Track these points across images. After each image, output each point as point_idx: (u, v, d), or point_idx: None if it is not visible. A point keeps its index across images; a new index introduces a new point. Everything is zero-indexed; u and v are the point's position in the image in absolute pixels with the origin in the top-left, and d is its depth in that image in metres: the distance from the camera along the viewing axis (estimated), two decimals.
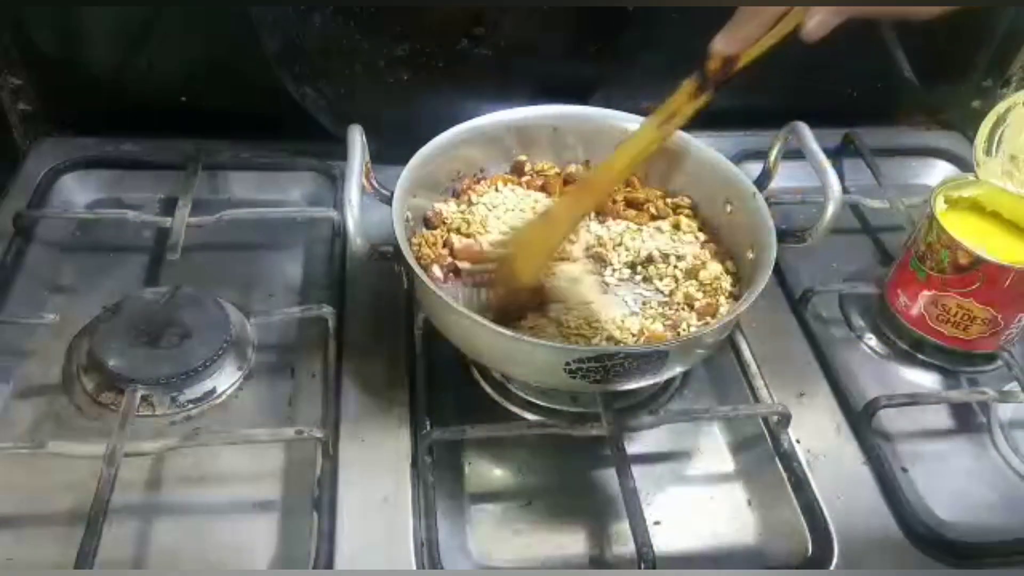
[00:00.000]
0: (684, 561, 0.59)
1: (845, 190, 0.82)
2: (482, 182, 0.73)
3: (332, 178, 0.83)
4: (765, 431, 0.65)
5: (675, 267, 0.68)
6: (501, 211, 0.71)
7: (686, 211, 0.72)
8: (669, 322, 0.64)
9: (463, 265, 0.66)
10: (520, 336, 0.57)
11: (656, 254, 0.68)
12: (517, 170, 0.74)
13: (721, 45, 0.52)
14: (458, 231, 0.69)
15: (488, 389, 0.67)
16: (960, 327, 0.68)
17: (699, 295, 0.66)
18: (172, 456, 0.60)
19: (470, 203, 0.71)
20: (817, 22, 0.46)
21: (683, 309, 0.65)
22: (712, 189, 0.71)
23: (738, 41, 0.51)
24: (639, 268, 0.68)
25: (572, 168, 0.75)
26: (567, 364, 0.55)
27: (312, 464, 0.60)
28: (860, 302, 0.77)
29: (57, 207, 0.80)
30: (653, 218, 0.72)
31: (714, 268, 0.68)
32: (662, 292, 0.67)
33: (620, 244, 0.69)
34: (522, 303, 0.63)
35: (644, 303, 0.66)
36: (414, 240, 0.67)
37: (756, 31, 0.50)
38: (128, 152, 0.85)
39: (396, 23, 0.76)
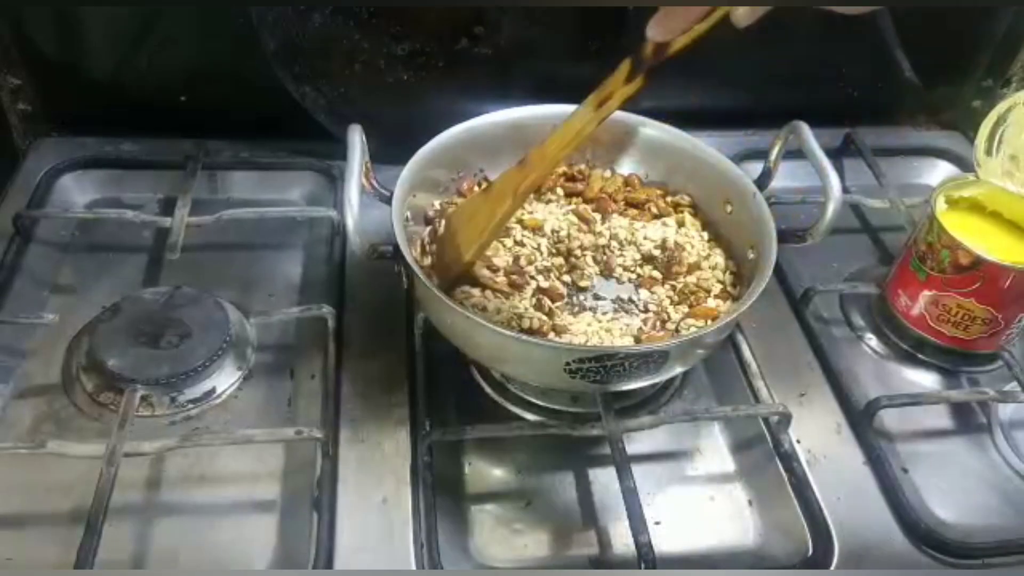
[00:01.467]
0: (684, 561, 0.59)
1: (845, 190, 0.83)
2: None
3: (332, 178, 0.83)
4: (765, 431, 0.65)
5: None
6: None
7: (687, 209, 0.72)
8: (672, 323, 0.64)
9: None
10: (520, 336, 0.57)
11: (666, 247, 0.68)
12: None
13: (652, 33, 0.51)
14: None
15: (488, 389, 0.67)
16: (960, 327, 0.68)
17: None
18: (172, 456, 0.60)
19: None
20: (746, 10, 0.46)
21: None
22: (712, 189, 0.71)
23: (669, 30, 0.51)
24: (647, 263, 0.68)
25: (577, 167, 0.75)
26: (567, 364, 0.55)
27: (312, 464, 0.59)
28: (860, 302, 0.77)
29: (57, 207, 0.80)
30: (655, 217, 0.72)
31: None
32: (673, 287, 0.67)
33: (632, 241, 0.69)
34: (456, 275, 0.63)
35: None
36: (415, 243, 0.67)
37: (685, 21, 0.50)
38: (128, 152, 0.85)
39: (396, 23, 0.76)
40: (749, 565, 0.59)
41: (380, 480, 0.60)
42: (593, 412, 0.62)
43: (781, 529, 0.60)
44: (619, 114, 0.72)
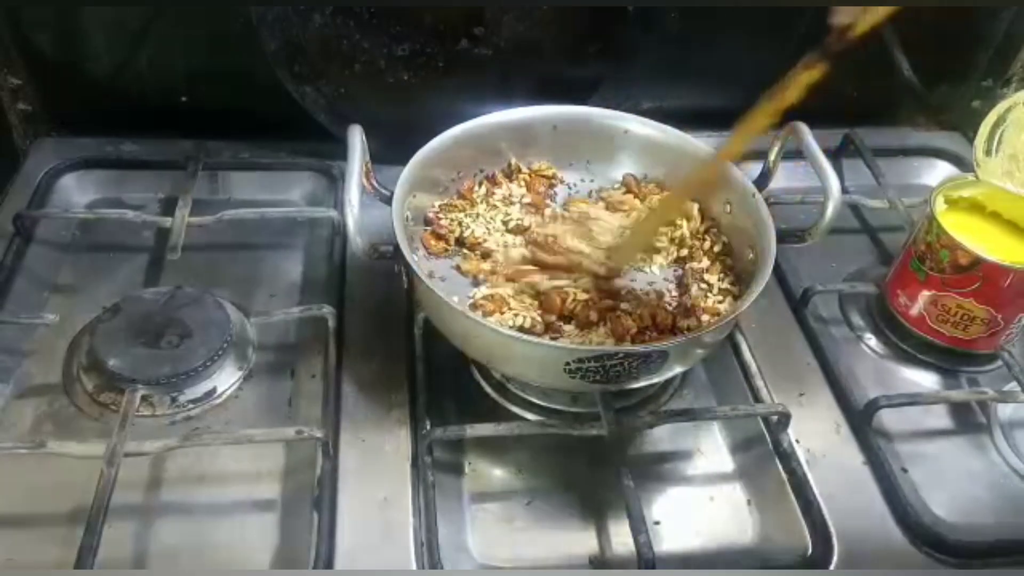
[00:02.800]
0: (684, 561, 0.59)
1: (845, 190, 0.82)
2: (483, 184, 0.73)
3: (332, 178, 0.83)
4: (765, 431, 0.65)
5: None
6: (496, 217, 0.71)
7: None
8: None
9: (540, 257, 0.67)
10: (520, 336, 0.57)
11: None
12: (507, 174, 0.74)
13: (837, 17, 0.52)
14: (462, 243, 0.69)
15: (488, 389, 0.67)
16: (960, 327, 0.68)
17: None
18: (172, 456, 0.60)
19: (473, 204, 0.71)
20: None
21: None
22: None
23: (851, 12, 0.51)
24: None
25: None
26: (567, 364, 0.55)
27: (312, 464, 0.59)
28: (860, 302, 0.77)
29: (57, 207, 0.80)
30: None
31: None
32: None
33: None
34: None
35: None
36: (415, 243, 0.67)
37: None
38: (128, 152, 0.85)
39: (396, 23, 0.76)
40: (749, 565, 0.59)
41: (380, 480, 0.60)
42: (593, 412, 0.62)
43: (781, 529, 0.60)
44: (618, 114, 0.73)
